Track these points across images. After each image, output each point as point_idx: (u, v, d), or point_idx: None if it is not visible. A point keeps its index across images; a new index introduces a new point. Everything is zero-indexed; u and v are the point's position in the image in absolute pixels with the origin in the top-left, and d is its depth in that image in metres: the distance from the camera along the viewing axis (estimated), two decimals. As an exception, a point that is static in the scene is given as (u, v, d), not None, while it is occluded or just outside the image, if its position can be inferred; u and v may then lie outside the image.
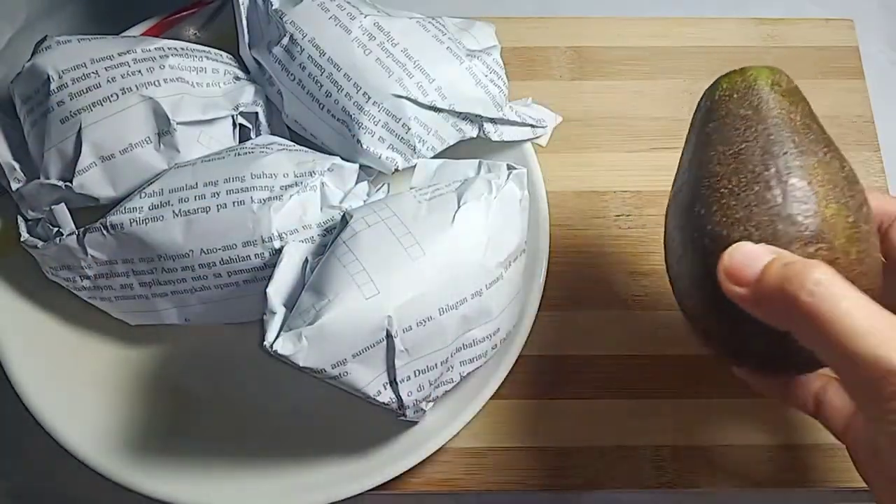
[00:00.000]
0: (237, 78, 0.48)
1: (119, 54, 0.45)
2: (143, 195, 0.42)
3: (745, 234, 0.34)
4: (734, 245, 0.33)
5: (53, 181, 0.44)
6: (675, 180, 0.39)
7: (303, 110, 0.47)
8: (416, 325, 0.38)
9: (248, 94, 0.47)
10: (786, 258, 0.33)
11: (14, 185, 0.45)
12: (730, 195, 0.34)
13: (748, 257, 0.33)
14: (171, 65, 0.45)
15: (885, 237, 0.37)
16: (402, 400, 0.39)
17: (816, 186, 0.34)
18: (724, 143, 0.36)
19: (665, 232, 0.39)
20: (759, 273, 0.32)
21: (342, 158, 0.45)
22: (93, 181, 0.43)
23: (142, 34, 0.51)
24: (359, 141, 0.45)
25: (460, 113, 0.46)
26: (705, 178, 0.36)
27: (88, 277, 0.44)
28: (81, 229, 0.43)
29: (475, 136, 0.47)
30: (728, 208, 0.34)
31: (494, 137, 0.47)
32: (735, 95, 0.37)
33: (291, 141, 0.47)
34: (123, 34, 0.51)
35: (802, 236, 0.33)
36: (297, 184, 0.42)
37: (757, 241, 0.33)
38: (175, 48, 0.46)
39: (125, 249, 0.42)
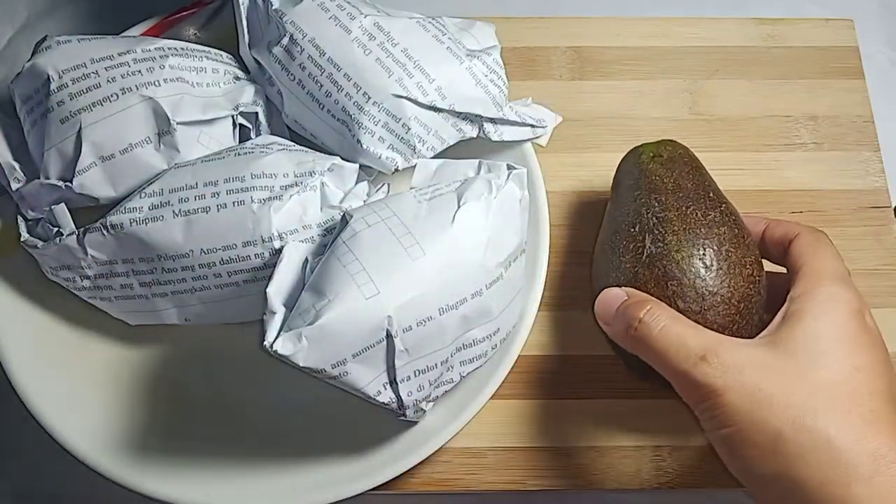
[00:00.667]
0: (237, 78, 0.48)
1: (119, 54, 0.45)
2: (143, 195, 0.42)
3: (614, 280, 0.43)
4: (602, 291, 0.42)
5: (53, 181, 0.44)
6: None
7: (303, 110, 0.47)
8: (416, 324, 0.38)
9: (248, 94, 0.47)
10: (632, 298, 0.40)
11: (14, 185, 0.45)
12: (610, 250, 0.44)
13: (609, 300, 0.41)
14: (171, 65, 0.45)
15: (787, 254, 0.42)
16: (402, 400, 0.39)
17: (670, 236, 0.42)
18: (615, 207, 0.46)
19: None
20: (613, 312, 0.40)
21: (342, 158, 0.45)
22: (93, 181, 0.43)
23: (142, 34, 0.51)
24: (359, 141, 0.45)
25: (460, 113, 0.46)
26: (602, 241, 0.46)
27: (88, 277, 0.44)
28: (81, 229, 0.43)
29: (475, 136, 0.47)
30: (606, 261, 0.44)
31: (494, 137, 0.47)
32: (626, 171, 0.47)
33: (291, 141, 0.47)
34: (123, 34, 0.51)
35: (656, 276, 0.41)
36: (297, 184, 0.42)
37: (622, 285, 0.42)
38: (175, 48, 0.46)
39: (125, 249, 0.42)
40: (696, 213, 0.43)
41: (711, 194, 0.44)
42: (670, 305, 0.40)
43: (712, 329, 0.40)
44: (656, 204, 0.43)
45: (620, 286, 0.42)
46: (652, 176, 0.45)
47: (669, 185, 0.44)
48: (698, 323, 0.39)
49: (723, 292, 0.41)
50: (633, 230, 0.43)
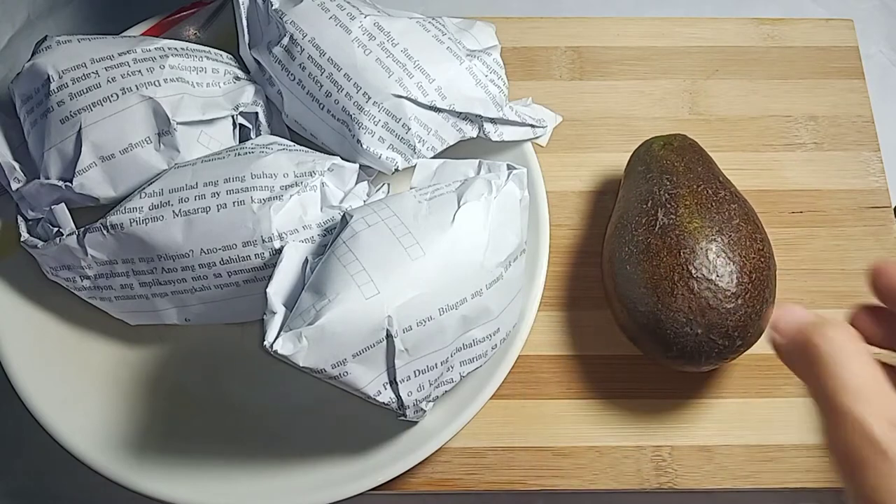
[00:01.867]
0: (237, 78, 0.48)
1: (119, 54, 0.45)
2: (143, 195, 0.42)
3: (627, 253, 0.44)
4: (785, 307, 0.36)
5: (53, 181, 0.44)
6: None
7: (303, 110, 0.47)
8: (416, 325, 0.38)
9: (248, 94, 0.47)
10: (829, 319, 0.33)
11: (14, 185, 0.45)
12: (621, 227, 0.45)
13: (796, 310, 0.35)
14: (171, 65, 0.45)
15: None
16: (402, 400, 0.39)
17: (682, 209, 0.44)
18: (627, 191, 0.47)
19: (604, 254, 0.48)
20: (797, 318, 0.34)
21: (342, 158, 0.45)
22: (93, 181, 0.43)
23: (142, 34, 0.51)
24: (359, 141, 0.45)
25: (460, 113, 0.46)
26: (613, 222, 0.47)
27: (88, 277, 0.44)
28: (81, 229, 0.43)
29: (475, 136, 0.47)
30: (618, 237, 0.45)
31: (494, 137, 0.47)
32: (637, 158, 0.48)
33: (291, 141, 0.47)
34: (123, 34, 0.51)
35: (669, 245, 0.43)
36: (297, 184, 0.42)
37: (633, 256, 0.43)
38: (175, 48, 0.46)
39: (125, 249, 0.42)
40: (707, 191, 0.44)
41: (721, 178, 0.46)
42: (683, 272, 0.42)
43: (725, 296, 0.41)
44: (668, 182, 0.45)
45: (631, 257, 0.44)
46: (663, 161, 0.46)
47: (680, 168, 0.46)
48: (710, 290, 0.41)
49: (736, 260, 0.42)
50: (645, 206, 0.45)
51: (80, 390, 0.44)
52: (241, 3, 0.48)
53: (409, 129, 0.45)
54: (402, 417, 0.40)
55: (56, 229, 0.43)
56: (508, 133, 0.48)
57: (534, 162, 0.48)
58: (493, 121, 0.47)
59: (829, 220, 0.52)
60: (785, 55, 0.56)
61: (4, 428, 0.48)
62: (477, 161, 0.44)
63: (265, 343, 0.37)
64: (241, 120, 0.47)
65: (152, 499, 0.42)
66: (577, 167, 0.53)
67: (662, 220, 0.44)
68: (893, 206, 0.52)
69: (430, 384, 0.40)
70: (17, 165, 0.45)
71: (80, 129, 0.43)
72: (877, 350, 0.35)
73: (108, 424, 0.44)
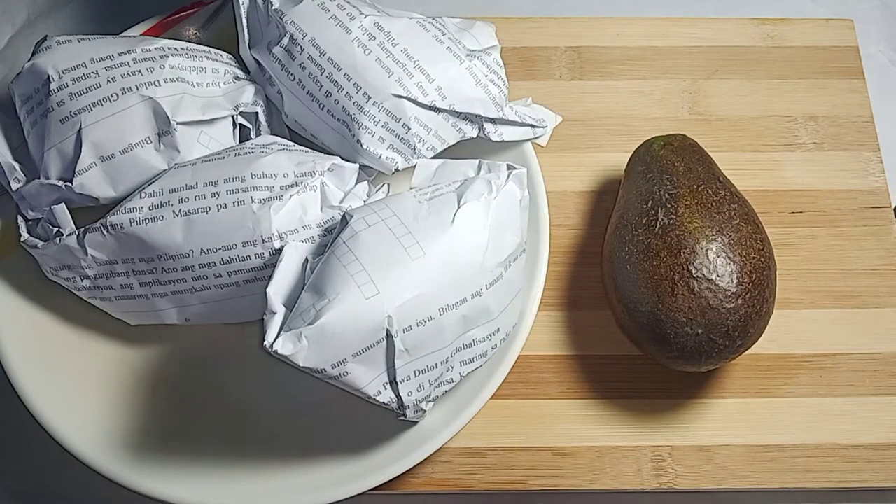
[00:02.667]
0: (237, 78, 0.48)
1: (119, 54, 0.45)
2: (143, 195, 0.42)
3: (627, 253, 0.44)
4: None
5: (53, 181, 0.44)
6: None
7: (303, 110, 0.47)
8: (416, 325, 0.38)
9: (248, 94, 0.47)
10: None
11: (14, 185, 0.45)
12: (622, 227, 0.46)
13: None
14: (171, 65, 0.45)
15: None
16: (402, 400, 0.39)
17: (682, 209, 0.44)
18: (627, 191, 0.47)
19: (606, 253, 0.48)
20: None
21: (342, 158, 0.45)
22: (93, 181, 0.43)
23: (142, 34, 0.51)
24: (359, 141, 0.45)
25: (460, 113, 0.46)
26: (613, 222, 0.47)
27: (88, 277, 0.44)
28: (81, 229, 0.43)
29: (475, 136, 0.47)
30: (619, 237, 0.45)
31: (494, 137, 0.47)
32: (638, 158, 0.48)
33: (291, 141, 0.47)
34: (123, 34, 0.51)
35: (669, 245, 0.43)
36: (297, 184, 0.42)
37: (634, 256, 0.44)
38: (175, 48, 0.46)
39: (125, 249, 0.42)
40: (708, 191, 0.45)
41: (721, 178, 0.46)
42: (683, 272, 0.42)
43: (725, 296, 0.41)
44: (668, 182, 0.45)
45: (632, 257, 0.44)
46: (664, 161, 0.46)
47: (680, 168, 0.46)
48: (710, 290, 0.41)
49: (736, 260, 0.42)
50: (645, 206, 0.45)
51: (80, 390, 0.44)
52: (241, 3, 0.48)
53: (409, 129, 0.45)
54: (402, 417, 0.40)
55: (56, 229, 0.44)
56: (508, 133, 0.48)
57: (534, 162, 0.48)
58: (493, 121, 0.47)
59: (829, 220, 0.52)
60: (785, 55, 0.56)
61: (4, 428, 0.48)
62: (477, 161, 0.44)
63: (265, 343, 0.37)
64: (241, 120, 0.47)
65: (152, 499, 0.42)
66: (577, 167, 0.53)
67: (663, 220, 0.44)
68: (893, 206, 0.52)
69: (430, 384, 0.40)
70: (17, 165, 0.45)
71: (80, 129, 0.43)
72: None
73: (107, 424, 0.44)
